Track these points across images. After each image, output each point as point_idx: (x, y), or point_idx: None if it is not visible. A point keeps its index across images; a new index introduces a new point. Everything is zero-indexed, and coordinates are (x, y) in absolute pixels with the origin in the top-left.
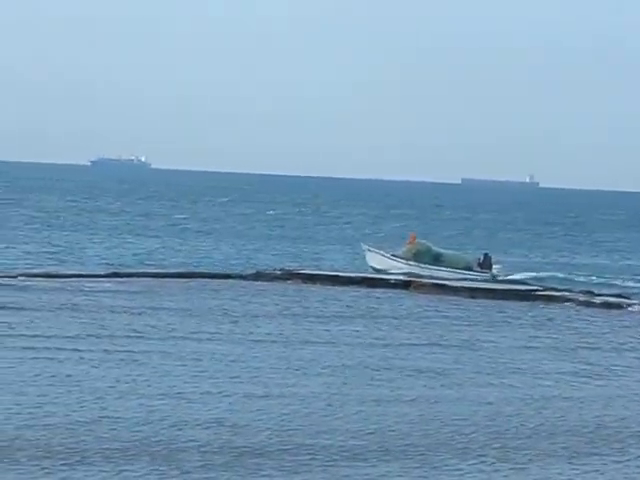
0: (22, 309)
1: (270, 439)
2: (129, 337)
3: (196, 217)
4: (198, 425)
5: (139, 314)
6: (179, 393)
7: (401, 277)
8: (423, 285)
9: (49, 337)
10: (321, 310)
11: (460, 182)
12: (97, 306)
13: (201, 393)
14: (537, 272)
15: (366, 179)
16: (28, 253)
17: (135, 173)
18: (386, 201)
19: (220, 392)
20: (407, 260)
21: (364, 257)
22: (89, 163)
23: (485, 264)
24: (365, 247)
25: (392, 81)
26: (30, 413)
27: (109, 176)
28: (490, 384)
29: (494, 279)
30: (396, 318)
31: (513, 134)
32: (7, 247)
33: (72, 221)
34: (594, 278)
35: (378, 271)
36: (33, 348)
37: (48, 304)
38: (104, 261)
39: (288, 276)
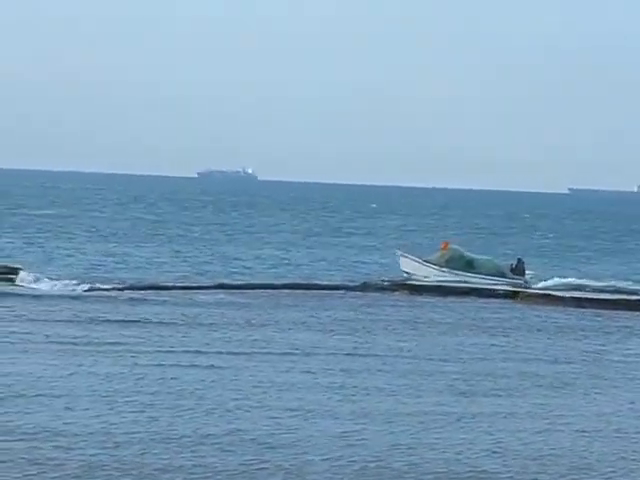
0: (143, 323)
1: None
2: (270, 354)
3: (296, 228)
4: (326, 442)
5: (262, 326)
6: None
7: (507, 287)
8: (530, 295)
9: (186, 352)
10: (447, 321)
11: (568, 192)
12: (219, 320)
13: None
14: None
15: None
16: (123, 263)
17: (241, 185)
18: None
19: (361, 409)
20: (440, 266)
21: (397, 263)
22: (196, 175)
23: (518, 270)
24: (399, 253)
25: (473, 97)
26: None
27: (214, 188)
28: None
29: (527, 285)
30: (530, 331)
31: (620, 143)
32: (106, 257)
33: (171, 233)
34: None
35: (410, 276)
36: (179, 365)
37: (168, 316)
38: (195, 271)
39: (395, 287)
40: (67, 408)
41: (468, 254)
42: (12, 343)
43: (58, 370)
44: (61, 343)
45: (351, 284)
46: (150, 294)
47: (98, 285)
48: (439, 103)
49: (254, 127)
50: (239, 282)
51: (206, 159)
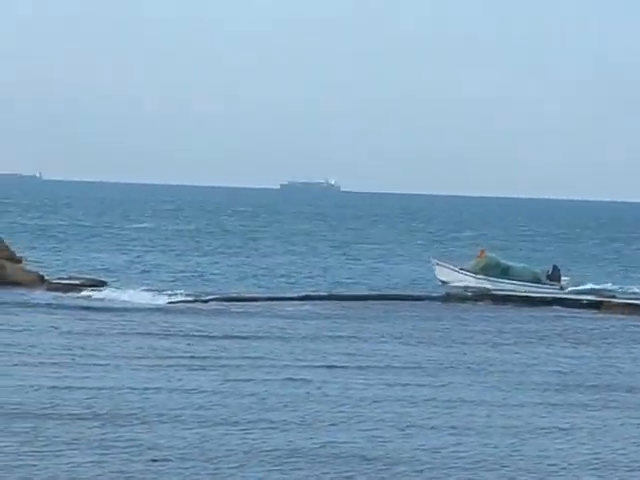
0: (234, 337)
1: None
2: (364, 367)
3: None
4: (421, 454)
5: (351, 338)
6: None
7: (592, 297)
8: (615, 305)
9: (283, 365)
10: (534, 331)
11: None
12: (309, 332)
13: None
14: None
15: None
16: (206, 274)
17: (324, 196)
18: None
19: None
20: (475, 273)
21: (433, 271)
22: (278, 187)
23: (554, 276)
24: (434, 261)
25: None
26: None
27: (295, 199)
28: None
29: (563, 291)
30: (621, 342)
31: None
32: (192, 268)
33: (252, 245)
34: None
35: (446, 284)
36: (275, 380)
37: (262, 329)
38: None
39: (478, 297)
40: (161, 422)
41: (504, 261)
42: (115, 356)
43: (154, 383)
44: (157, 357)
45: (434, 294)
46: (235, 306)
47: (183, 297)
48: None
49: (338, 137)
50: (323, 293)
51: (289, 170)
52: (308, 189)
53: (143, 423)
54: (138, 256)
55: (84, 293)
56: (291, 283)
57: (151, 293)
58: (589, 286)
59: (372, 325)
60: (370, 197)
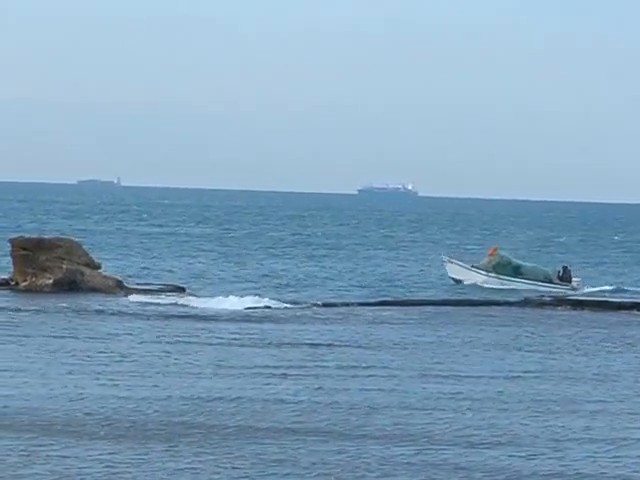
0: (321, 345)
1: None
2: (466, 376)
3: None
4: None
5: (441, 345)
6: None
7: None
8: None
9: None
10: (628, 338)
11: None
12: (402, 339)
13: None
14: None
15: None
16: (284, 279)
17: (400, 201)
18: None
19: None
20: (487, 272)
21: (444, 268)
22: (356, 192)
23: (565, 277)
24: (445, 258)
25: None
26: None
27: (371, 204)
28: None
29: (574, 292)
30: None
31: None
32: (272, 274)
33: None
34: None
35: (457, 282)
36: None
37: (356, 338)
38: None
39: (557, 302)
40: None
41: (515, 260)
42: (215, 365)
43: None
44: (254, 367)
45: (512, 299)
46: (315, 311)
47: (264, 302)
48: None
49: (416, 142)
50: (401, 298)
51: (367, 175)
52: (385, 194)
53: None
54: (213, 260)
55: (167, 300)
56: (363, 287)
57: (233, 299)
58: (606, 287)
59: (451, 330)
60: (447, 202)
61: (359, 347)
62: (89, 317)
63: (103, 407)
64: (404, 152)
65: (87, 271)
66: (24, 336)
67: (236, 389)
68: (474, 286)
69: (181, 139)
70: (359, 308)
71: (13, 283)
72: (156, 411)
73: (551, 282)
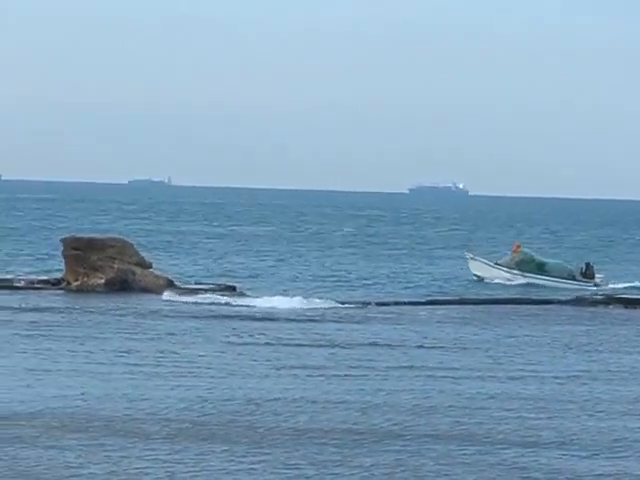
0: (387, 345)
1: None
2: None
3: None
4: None
5: (500, 345)
6: None
7: None
8: None
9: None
10: None
11: None
12: (463, 339)
13: None
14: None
15: None
16: (339, 277)
17: (451, 200)
18: None
19: None
20: (510, 269)
21: (467, 266)
22: (407, 191)
23: (588, 273)
24: (469, 255)
25: None
26: None
27: (424, 203)
28: None
29: (596, 288)
30: None
31: None
32: (325, 273)
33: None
34: None
35: (480, 279)
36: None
37: (414, 338)
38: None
39: (609, 301)
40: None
41: (539, 257)
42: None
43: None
44: (312, 367)
45: (563, 298)
46: (373, 310)
47: (319, 302)
48: None
49: (464, 139)
50: (451, 297)
51: (418, 174)
52: (436, 193)
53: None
54: (265, 256)
55: (221, 299)
56: (419, 286)
57: (287, 298)
58: (630, 284)
59: (505, 330)
60: (495, 200)
61: (417, 347)
62: (144, 317)
63: (163, 408)
64: (454, 150)
65: (138, 270)
66: (82, 336)
67: (295, 390)
68: (498, 284)
69: (231, 139)
70: (413, 307)
71: (65, 283)
72: (215, 412)
73: (574, 279)
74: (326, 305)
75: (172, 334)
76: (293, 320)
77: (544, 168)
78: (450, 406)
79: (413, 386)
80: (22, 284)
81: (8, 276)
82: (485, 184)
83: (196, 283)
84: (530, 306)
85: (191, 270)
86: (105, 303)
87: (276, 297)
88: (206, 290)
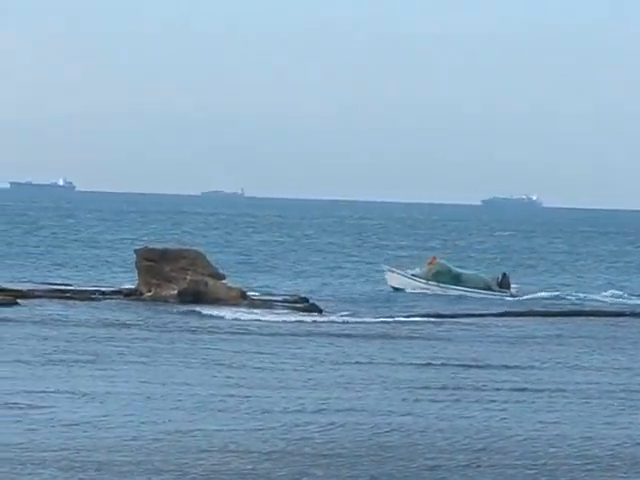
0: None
1: None
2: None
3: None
4: None
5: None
6: None
7: None
8: None
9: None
10: None
11: None
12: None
13: None
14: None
15: None
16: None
17: (525, 212)
18: None
19: None
20: (427, 280)
21: (384, 277)
22: (480, 203)
23: (504, 284)
24: (385, 267)
25: None
26: None
27: (497, 215)
28: None
29: (512, 298)
30: None
31: None
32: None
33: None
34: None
35: (397, 290)
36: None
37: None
38: None
39: None
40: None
41: (455, 269)
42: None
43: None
44: (420, 387)
45: (636, 311)
46: (438, 323)
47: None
48: None
49: (538, 153)
50: (522, 309)
51: (490, 186)
52: (509, 205)
53: None
54: (337, 267)
55: (292, 316)
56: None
57: (355, 314)
58: (540, 294)
59: (582, 345)
60: (570, 212)
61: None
62: (223, 332)
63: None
64: (527, 163)
65: (211, 282)
66: (180, 354)
67: (413, 415)
68: (414, 294)
69: (301, 149)
70: (480, 319)
71: (138, 293)
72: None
73: (490, 289)
74: (417, 319)
75: (258, 353)
76: (377, 337)
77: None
78: (606, 437)
79: (541, 410)
80: (97, 295)
81: (85, 287)
82: (559, 196)
83: (268, 294)
84: (602, 318)
85: (267, 281)
86: (181, 315)
87: (341, 314)
88: (279, 302)
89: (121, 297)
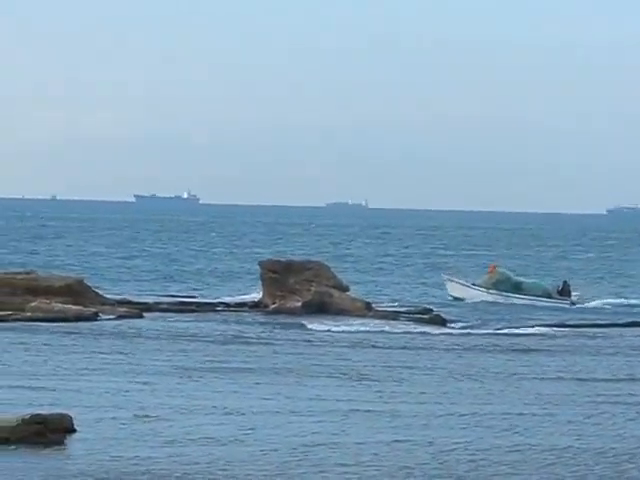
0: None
1: None
2: None
3: None
4: None
5: None
6: None
7: None
8: None
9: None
10: None
11: None
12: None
13: None
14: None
15: None
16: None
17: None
18: None
19: None
20: (487, 288)
21: (444, 287)
22: (605, 212)
23: (564, 291)
24: (445, 277)
25: None
26: None
27: (623, 225)
28: None
29: (573, 306)
30: None
31: None
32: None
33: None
34: None
35: (458, 300)
36: None
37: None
38: None
39: None
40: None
41: (515, 277)
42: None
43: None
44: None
45: None
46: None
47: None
48: None
49: None
50: (570, 322)
51: (616, 195)
52: (636, 214)
53: None
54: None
55: (423, 328)
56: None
57: (476, 326)
58: (604, 301)
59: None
60: None
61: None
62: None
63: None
64: None
65: (336, 293)
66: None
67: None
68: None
69: (423, 156)
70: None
71: (262, 305)
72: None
73: (551, 297)
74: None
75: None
76: (520, 350)
77: None
78: None
79: None
80: (222, 307)
81: (210, 300)
82: None
83: (394, 305)
84: None
85: (388, 292)
86: (313, 328)
87: (464, 325)
88: (403, 313)
89: (246, 309)
